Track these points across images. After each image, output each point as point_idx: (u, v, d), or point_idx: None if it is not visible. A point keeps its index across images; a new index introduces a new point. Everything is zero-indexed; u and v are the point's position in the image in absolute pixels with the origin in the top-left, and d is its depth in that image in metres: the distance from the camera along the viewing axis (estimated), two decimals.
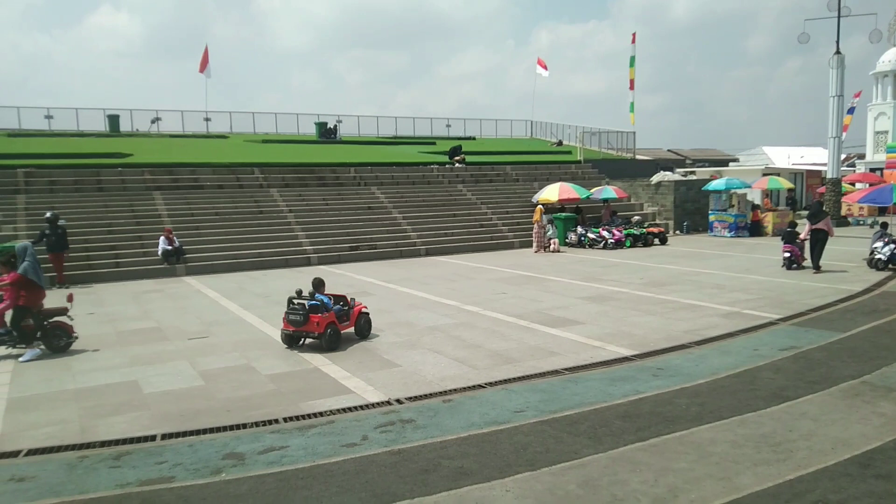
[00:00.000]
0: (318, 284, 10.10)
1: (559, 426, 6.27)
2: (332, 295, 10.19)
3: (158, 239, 18.48)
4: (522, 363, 8.64)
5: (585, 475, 5.17)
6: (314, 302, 9.65)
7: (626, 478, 5.11)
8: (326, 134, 37.52)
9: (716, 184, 26.21)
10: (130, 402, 7.44)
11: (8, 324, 9.62)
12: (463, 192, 27.24)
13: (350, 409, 7.03)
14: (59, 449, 6.15)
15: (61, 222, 16.87)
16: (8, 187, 20.41)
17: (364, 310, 10.45)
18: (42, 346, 9.82)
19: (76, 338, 10.02)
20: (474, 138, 42.70)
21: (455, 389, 7.59)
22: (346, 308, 10.18)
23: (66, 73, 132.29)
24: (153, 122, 36.43)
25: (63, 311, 10.05)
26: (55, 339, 9.81)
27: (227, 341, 10.24)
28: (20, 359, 9.48)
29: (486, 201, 26.62)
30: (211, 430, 6.47)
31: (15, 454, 6.06)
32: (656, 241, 23.45)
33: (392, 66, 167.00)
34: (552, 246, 22.24)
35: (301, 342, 9.87)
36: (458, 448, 5.78)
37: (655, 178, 28.93)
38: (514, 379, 7.95)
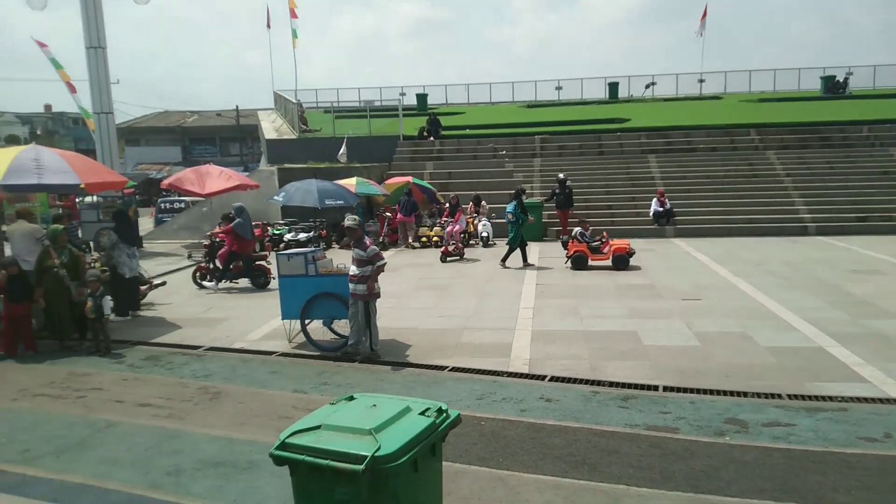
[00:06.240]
0: None
1: None
2: None
3: (650, 200, 19.28)
4: None
5: None
6: None
7: None
8: (833, 88, 33.10)
9: None
10: (632, 350, 8.07)
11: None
12: None
13: (866, 399, 6.28)
14: (573, 380, 7.09)
15: (568, 183, 19.00)
16: (527, 152, 23.96)
17: None
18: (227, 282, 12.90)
19: (273, 278, 11.88)
20: None
21: None
22: None
23: (572, 48, 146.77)
24: (647, 87, 37.68)
25: (264, 257, 13.31)
26: (257, 277, 12.82)
27: (721, 306, 10.15)
28: (206, 284, 12.92)
29: None
30: (710, 392, 6.58)
31: (541, 378, 7.23)
32: None
33: None
34: None
35: None
36: None
37: None
38: None
